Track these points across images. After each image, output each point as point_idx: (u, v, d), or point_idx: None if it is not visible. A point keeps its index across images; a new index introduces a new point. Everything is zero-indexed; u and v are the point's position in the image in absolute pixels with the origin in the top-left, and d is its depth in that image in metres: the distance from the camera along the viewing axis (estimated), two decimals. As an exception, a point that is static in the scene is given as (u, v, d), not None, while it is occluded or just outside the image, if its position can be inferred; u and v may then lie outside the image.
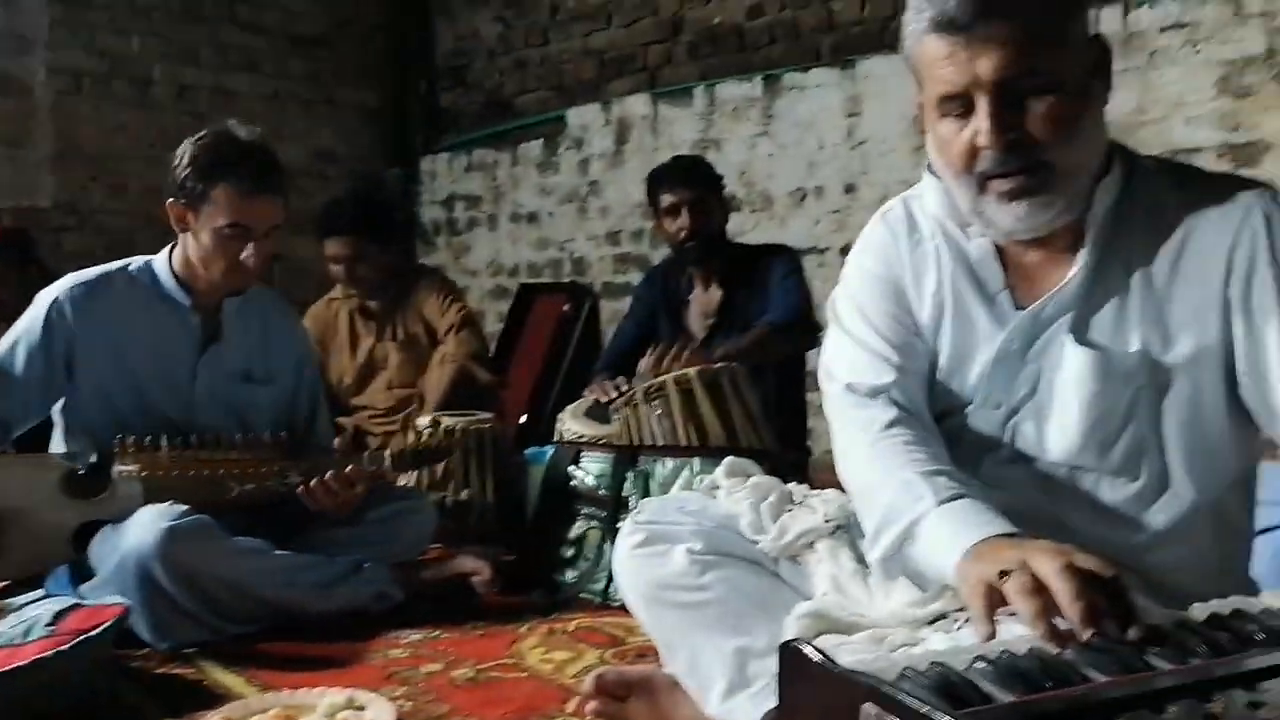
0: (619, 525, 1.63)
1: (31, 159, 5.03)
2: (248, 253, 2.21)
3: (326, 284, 3.56)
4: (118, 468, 2.14)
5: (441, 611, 2.27)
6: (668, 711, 1.50)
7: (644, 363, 2.60)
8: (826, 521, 1.43)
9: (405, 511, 2.42)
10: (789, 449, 2.76)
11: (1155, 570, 1.20)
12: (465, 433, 2.83)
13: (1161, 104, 3.34)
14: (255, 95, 5.60)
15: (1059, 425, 1.24)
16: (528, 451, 2.97)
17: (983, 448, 1.28)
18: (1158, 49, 3.35)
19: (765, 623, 1.36)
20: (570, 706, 1.73)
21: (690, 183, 3.05)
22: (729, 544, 1.46)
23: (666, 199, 3.06)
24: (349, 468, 2.22)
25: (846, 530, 1.42)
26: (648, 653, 1.85)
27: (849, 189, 4.18)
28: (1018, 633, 0.94)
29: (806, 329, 2.97)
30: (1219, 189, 1.22)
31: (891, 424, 1.26)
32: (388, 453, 2.30)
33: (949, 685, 0.80)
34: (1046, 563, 0.94)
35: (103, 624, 1.77)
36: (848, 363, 1.35)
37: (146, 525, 2.01)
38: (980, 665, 0.84)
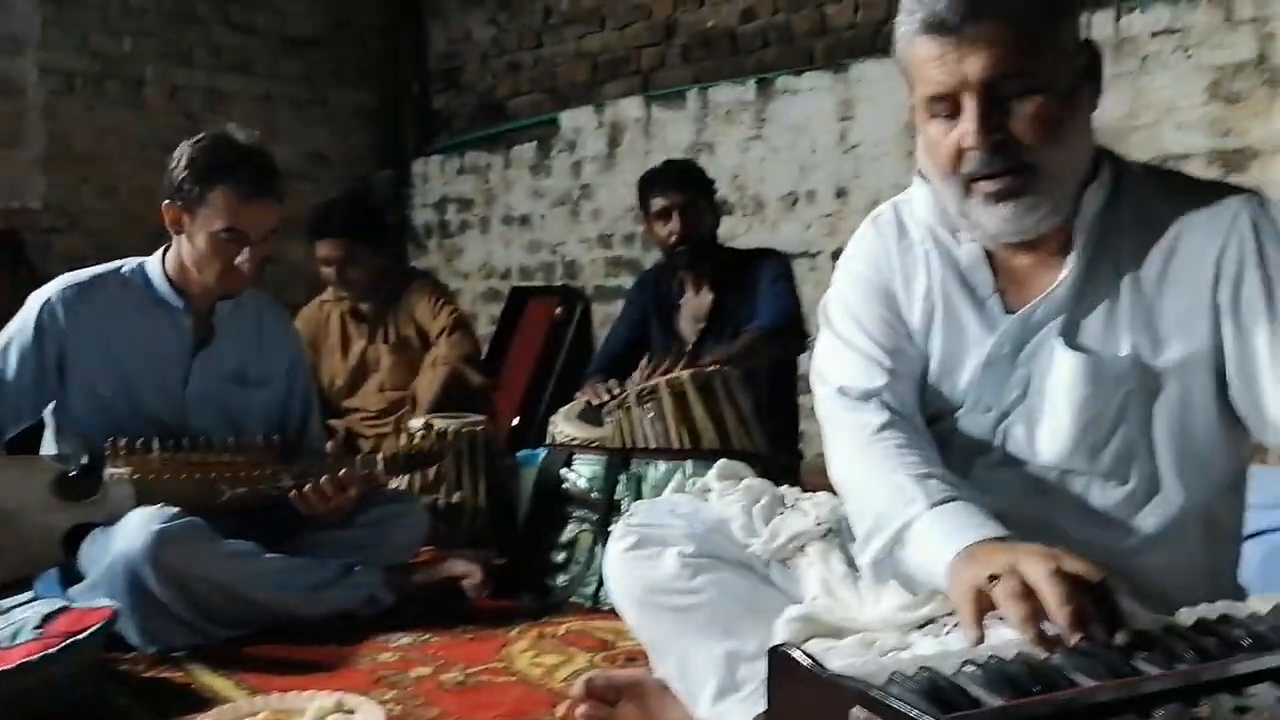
0: (611, 528, 1.63)
1: (22, 160, 5.02)
2: (242, 257, 2.20)
3: (318, 286, 3.56)
4: (109, 470, 2.13)
5: (432, 615, 2.27)
6: (657, 715, 1.50)
7: (636, 377, 2.60)
8: (818, 525, 1.43)
9: (396, 515, 2.42)
10: (781, 452, 2.77)
11: (1144, 574, 1.20)
12: (457, 435, 2.82)
13: (1153, 109, 3.35)
14: (248, 96, 5.59)
15: (1049, 429, 1.24)
16: (519, 454, 2.98)
17: (973, 451, 1.29)
18: (1149, 54, 3.36)
19: (755, 626, 1.36)
20: (560, 710, 1.73)
21: (681, 187, 3.05)
22: (720, 547, 1.46)
23: (658, 203, 3.06)
24: (341, 471, 2.22)
25: (837, 534, 1.42)
26: (638, 656, 1.85)
27: (841, 193, 4.19)
28: (1006, 637, 0.94)
29: (795, 335, 2.98)
30: (1207, 194, 1.22)
31: (883, 427, 1.26)
32: (380, 456, 2.30)
33: (937, 689, 0.80)
34: (1035, 567, 0.94)
35: (91, 627, 1.77)
36: (839, 366, 1.35)
37: (136, 528, 2.00)
38: (969, 669, 0.84)
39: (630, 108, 4.97)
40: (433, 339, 3.39)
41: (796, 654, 0.85)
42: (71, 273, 2.29)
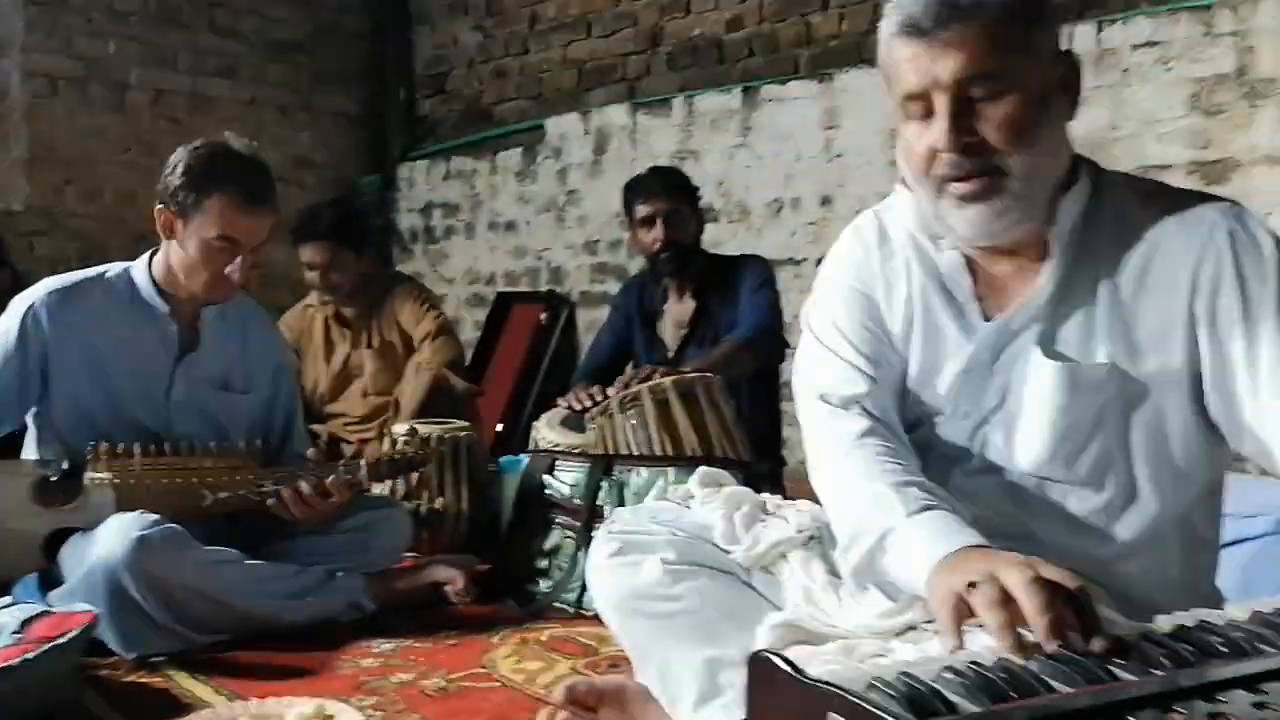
0: (593, 535, 1.63)
1: (5, 162, 4.99)
2: (233, 266, 2.20)
3: (301, 290, 3.55)
4: (90, 475, 2.12)
5: (414, 621, 2.27)
6: (639, 721, 1.50)
7: (615, 388, 2.59)
8: (799, 532, 1.43)
9: (379, 520, 2.41)
10: (763, 459, 2.77)
11: (1123, 581, 1.21)
12: (441, 441, 2.82)
13: (1133, 121, 3.38)
14: (233, 101, 5.58)
15: (1027, 436, 1.25)
16: (502, 460, 2.97)
17: (952, 458, 1.30)
18: (1130, 66, 3.39)
19: (737, 633, 1.36)
20: (542, 716, 1.72)
21: (666, 194, 3.05)
22: (702, 554, 1.46)
23: (641, 210, 3.06)
24: (329, 479, 2.21)
25: (819, 541, 1.43)
26: (620, 663, 1.85)
27: (825, 201, 4.21)
28: (986, 644, 0.94)
29: (775, 343, 2.98)
30: (1185, 205, 1.23)
31: (864, 435, 1.27)
32: (363, 462, 2.29)
33: (916, 695, 0.80)
34: (1014, 575, 0.94)
35: (70, 632, 1.76)
36: (821, 373, 1.36)
37: (116, 534, 1.99)
38: (947, 676, 0.84)
39: (616, 115, 4.98)
40: (417, 344, 3.39)
41: (776, 660, 0.85)
42: (56, 277, 2.28)
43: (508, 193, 5.53)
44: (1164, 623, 0.96)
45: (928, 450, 1.30)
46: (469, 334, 5.42)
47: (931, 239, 1.32)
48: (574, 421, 2.68)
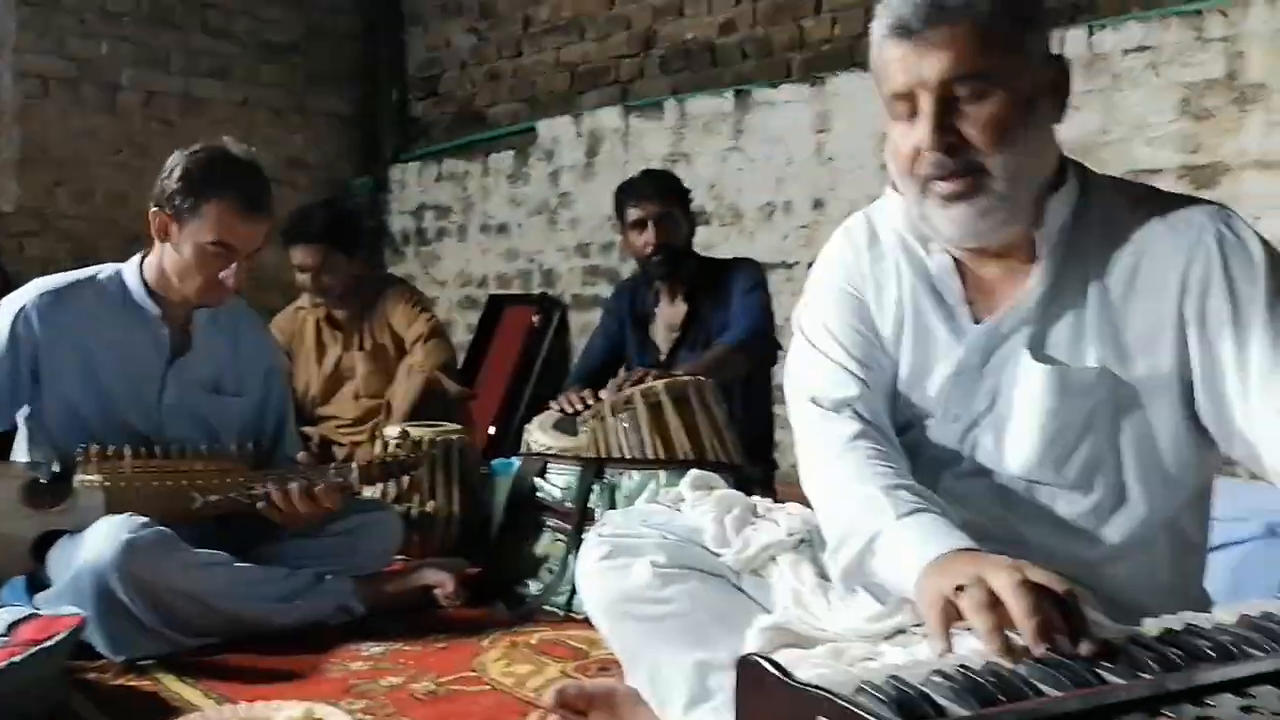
0: (584, 538, 1.63)
1: (-5, 163, 4.98)
2: (227, 272, 2.19)
3: (293, 292, 3.54)
4: (79, 477, 2.12)
5: (403, 624, 2.26)
6: (629, 725, 1.50)
7: (608, 391, 2.60)
8: (789, 535, 1.43)
9: (370, 523, 2.40)
10: (755, 462, 2.77)
11: (1111, 584, 1.21)
12: (432, 444, 2.82)
13: (1124, 125, 3.39)
14: (225, 102, 5.57)
15: (1016, 439, 1.25)
16: (494, 463, 2.97)
17: (942, 461, 1.30)
18: (1120, 71, 3.40)
19: (727, 636, 1.36)
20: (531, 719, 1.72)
21: (657, 197, 3.06)
22: (692, 557, 1.46)
23: (633, 213, 3.07)
24: (318, 485, 2.20)
25: (809, 544, 1.42)
26: (610, 666, 1.85)
27: (817, 204, 4.21)
28: (974, 647, 0.94)
29: (767, 346, 2.99)
30: (1174, 208, 1.24)
31: (854, 437, 1.27)
32: (354, 465, 2.29)
33: (904, 699, 0.81)
34: (1002, 578, 0.94)
35: (58, 635, 1.75)
36: (811, 376, 1.36)
37: (105, 537, 1.98)
38: (936, 679, 0.84)
39: (609, 118, 4.98)
40: (409, 346, 3.38)
41: (764, 663, 0.85)
42: (47, 278, 2.27)
43: (500, 195, 5.53)
44: (1152, 626, 0.96)
45: (917, 453, 1.30)
46: (461, 336, 5.42)
47: (921, 241, 1.32)
48: (566, 424, 2.68)
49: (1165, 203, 1.25)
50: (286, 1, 5.77)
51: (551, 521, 2.49)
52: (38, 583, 2.11)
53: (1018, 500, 1.26)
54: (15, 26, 4.95)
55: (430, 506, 2.82)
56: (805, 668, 0.93)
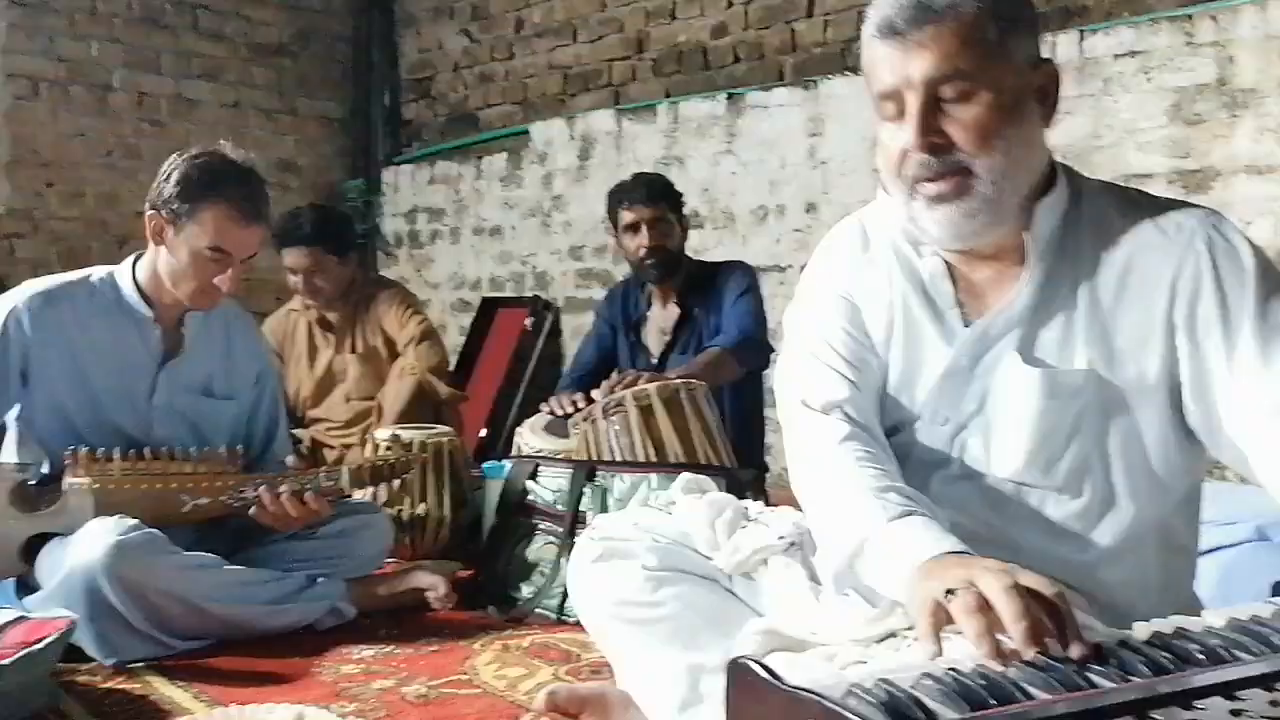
0: (576, 541, 1.63)
1: (-14, 164, 4.96)
2: (222, 277, 2.19)
3: (285, 294, 3.54)
4: (69, 480, 2.11)
5: (395, 627, 2.26)
6: (620, 728, 1.50)
7: (599, 393, 2.60)
8: (780, 538, 1.43)
9: (361, 526, 2.40)
10: (747, 465, 2.77)
11: (1102, 588, 1.22)
12: (423, 447, 2.81)
13: (1115, 130, 3.41)
14: (216, 104, 5.56)
15: (1005, 442, 1.25)
16: (485, 466, 2.97)
17: (932, 464, 1.30)
18: (1111, 76, 3.41)
19: (718, 639, 1.36)
20: (523, 723, 1.72)
21: (650, 200, 3.06)
22: (684, 560, 1.47)
23: (626, 216, 3.07)
24: (308, 489, 2.19)
25: (800, 547, 1.43)
26: (602, 669, 1.85)
27: (810, 208, 4.22)
28: (965, 651, 0.94)
29: (759, 349, 2.99)
30: (1164, 212, 1.24)
31: (844, 439, 1.27)
32: (345, 469, 2.28)
33: (894, 702, 0.81)
34: (992, 582, 0.95)
35: (47, 638, 1.74)
36: (802, 377, 1.36)
37: (94, 539, 1.98)
38: (926, 682, 0.84)
39: (601, 120, 4.98)
40: (401, 349, 3.38)
41: (755, 666, 0.85)
42: (38, 279, 2.26)
43: (493, 198, 5.52)
44: (1141, 630, 0.96)
45: (907, 456, 1.30)
46: (453, 339, 5.41)
47: (913, 244, 1.33)
48: (558, 427, 2.68)
49: (1156, 207, 1.26)
50: (278, 3, 5.76)
51: (543, 524, 2.49)
52: (27, 585, 2.10)
53: (1007, 503, 1.26)
54: (5, 27, 4.93)
55: (421, 509, 2.81)
56: (796, 671, 0.93)
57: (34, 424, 2.18)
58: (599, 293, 4.31)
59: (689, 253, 3.20)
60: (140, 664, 1.99)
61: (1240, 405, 1.16)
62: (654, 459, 2.42)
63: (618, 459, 2.45)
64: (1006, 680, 0.85)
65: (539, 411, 2.84)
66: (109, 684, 1.92)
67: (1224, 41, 3.20)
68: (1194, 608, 1.24)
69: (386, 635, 2.20)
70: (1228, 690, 0.83)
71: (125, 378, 2.24)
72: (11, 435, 2.21)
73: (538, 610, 2.38)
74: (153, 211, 2.19)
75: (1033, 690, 0.84)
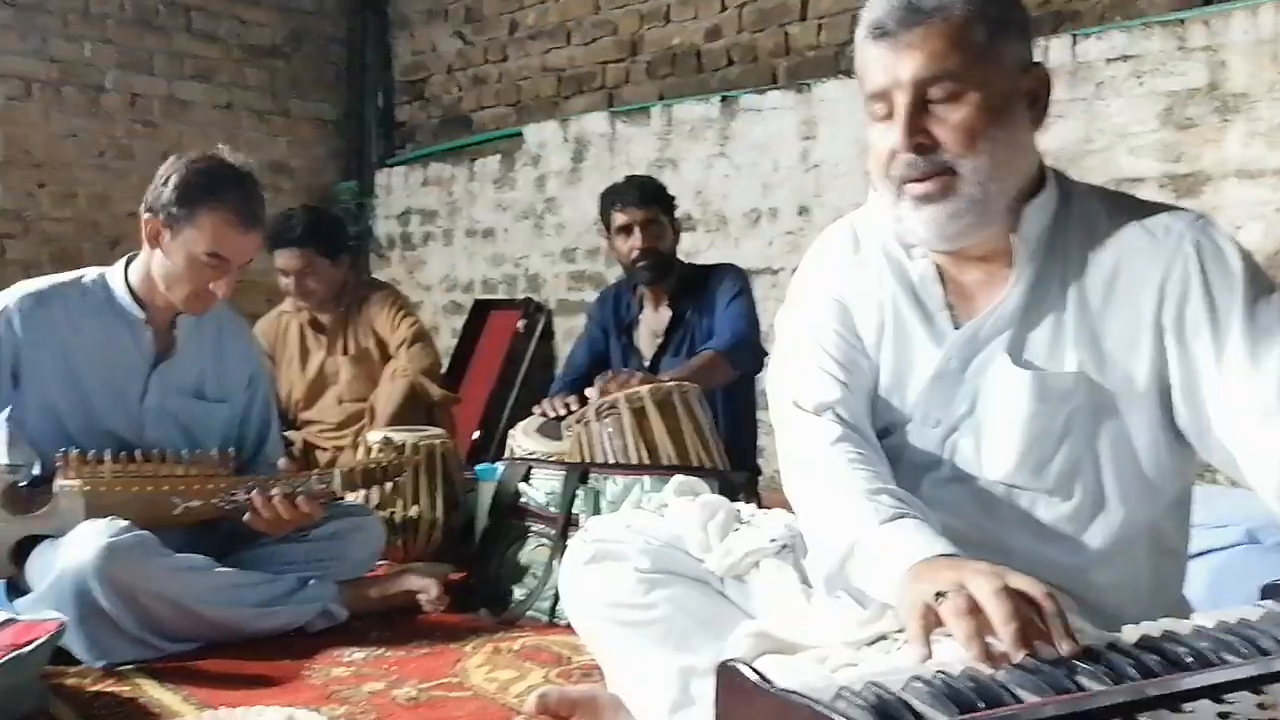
0: (568, 543, 1.63)
1: (-23, 165, 4.95)
2: (217, 283, 2.19)
3: (277, 296, 3.53)
4: (59, 481, 2.10)
5: (386, 630, 2.25)
6: (611, 731, 1.50)
7: (591, 392, 2.60)
8: (772, 541, 1.44)
9: (353, 529, 2.39)
10: (740, 468, 2.77)
11: (1092, 590, 1.22)
12: (415, 449, 2.81)
13: (1107, 134, 3.41)
14: (209, 105, 5.55)
15: (995, 444, 1.26)
16: (478, 468, 2.96)
17: (923, 466, 1.30)
18: (1104, 80, 3.42)
19: (710, 642, 1.36)
20: (514, 725, 1.72)
21: (643, 202, 3.06)
22: (676, 563, 1.47)
23: (619, 218, 3.07)
24: (300, 492, 2.19)
25: (792, 550, 1.43)
26: (593, 672, 1.85)
27: (803, 211, 4.22)
28: (955, 653, 0.95)
29: (753, 352, 2.99)
30: (1153, 216, 1.25)
31: (836, 441, 1.27)
32: (337, 472, 2.28)
33: (884, 705, 0.81)
34: (982, 585, 0.95)
35: (37, 640, 1.74)
36: (794, 379, 1.36)
37: (85, 542, 1.97)
38: (916, 685, 0.85)
39: (595, 123, 4.98)
40: (393, 351, 3.37)
41: (744, 669, 0.85)
42: (30, 280, 2.26)
43: (486, 200, 5.52)
44: (1130, 633, 0.96)
45: (898, 458, 1.30)
46: (446, 341, 5.41)
47: (904, 247, 1.33)
48: (551, 429, 2.68)
49: (1145, 210, 1.26)
50: (271, 5, 5.76)
51: (536, 527, 2.49)
52: (17, 588, 2.09)
53: (998, 505, 1.26)
54: (-3, 29, 4.93)
55: (414, 511, 2.81)
56: (787, 673, 0.93)
57: (25, 425, 2.17)
58: (591, 295, 4.31)
59: (680, 255, 3.20)
60: (130, 666, 1.99)
61: (1229, 407, 1.17)
62: (647, 461, 2.42)
63: (611, 461, 2.45)
64: (996, 683, 0.86)
65: (532, 414, 2.84)
66: (98, 686, 1.92)
67: (1215, 46, 3.21)
68: (1184, 611, 1.25)
69: (377, 638, 2.20)
70: (1216, 693, 0.84)
71: (117, 380, 2.24)
72: (2, 437, 2.20)
73: (530, 613, 2.38)
74: (149, 215, 2.18)
75: (1022, 693, 0.85)
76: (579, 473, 2.46)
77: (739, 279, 3.08)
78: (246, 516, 2.18)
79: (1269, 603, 1.05)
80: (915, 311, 1.32)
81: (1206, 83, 3.23)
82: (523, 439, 2.68)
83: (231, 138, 5.41)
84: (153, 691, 1.89)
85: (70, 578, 1.95)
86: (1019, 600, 0.93)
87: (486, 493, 2.64)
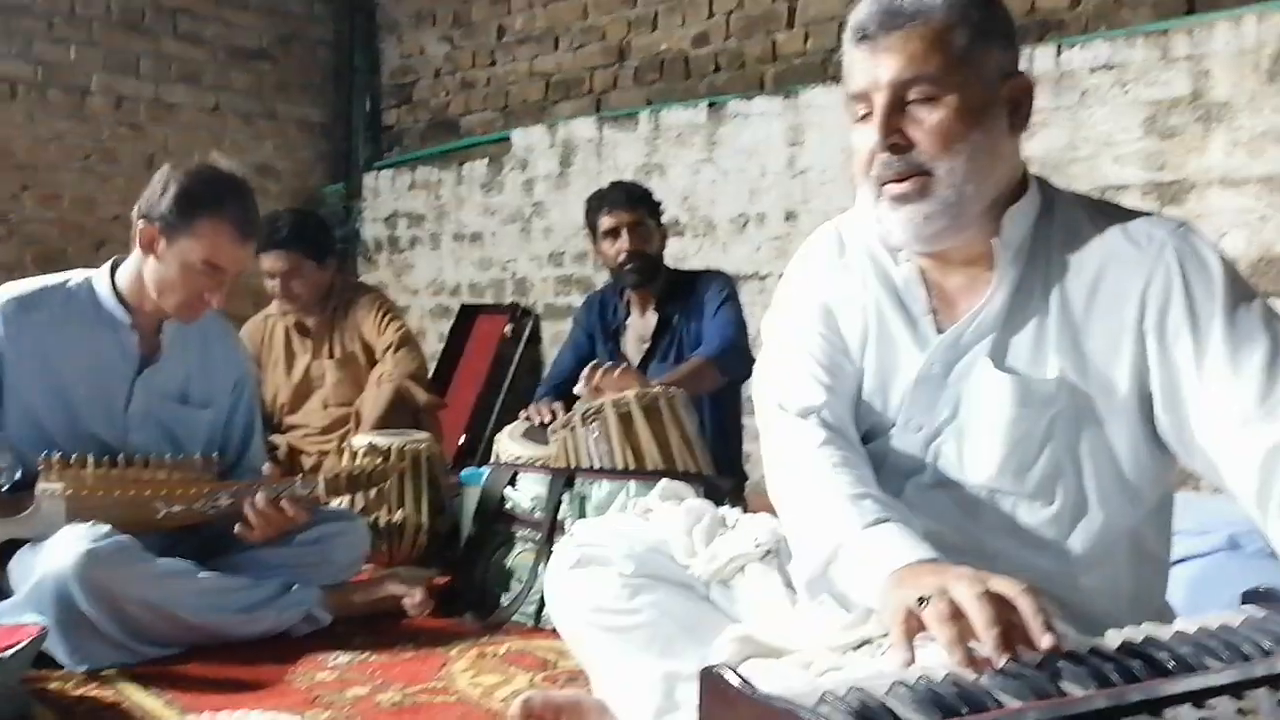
0: (554, 548, 1.62)
1: (-39, 167, 4.92)
2: (211, 293, 2.18)
3: (263, 299, 3.52)
4: (42, 485, 2.09)
5: (370, 634, 2.25)
6: (596, 736, 1.50)
7: (579, 386, 2.60)
8: (757, 546, 1.44)
9: (337, 533, 2.38)
10: (725, 474, 2.77)
11: (1074, 596, 1.22)
12: (400, 454, 2.80)
13: (1091, 142, 3.43)
14: (195, 107, 5.53)
15: (978, 448, 1.26)
16: (464, 473, 2.96)
17: (906, 470, 1.31)
18: (1088, 89, 3.44)
19: (694, 647, 1.36)
20: (498, 730, 1.71)
21: (629, 205, 3.07)
22: (660, 567, 1.47)
23: (606, 222, 3.07)
24: (284, 496, 2.18)
25: (776, 554, 1.43)
26: (578, 677, 1.84)
27: (790, 216, 4.23)
28: (938, 658, 0.95)
29: (742, 360, 2.99)
30: (1135, 224, 1.26)
31: (821, 444, 1.27)
32: (321, 478, 2.27)
33: (866, 710, 0.81)
34: (964, 589, 0.95)
35: (18, 644, 1.73)
36: (779, 382, 1.37)
37: (66, 546, 1.96)
38: (899, 690, 0.85)
39: (582, 128, 4.98)
40: (379, 355, 3.36)
41: (727, 674, 0.85)
42: (13, 284, 2.24)
43: (473, 204, 5.51)
44: (1112, 638, 0.97)
45: (881, 462, 1.31)
46: (433, 345, 5.40)
47: (890, 252, 1.34)
48: (537, 434, 2.68)
49: (1127, 218, 1.27)
50: (258, 7, 5.74)
51: (521, 532, 2.49)
52: (0, 592, 2.08)
53: (980, 509, 1.27)
54: (-18, 30, 4.90)
55: (399, 516, 2.80)
56: (771, 678, 0.93)
57: (7, 429, 2.16)
58: (579, 299, 4.30)
59: (668, 261, 3.20)
60: (112, 671, 1.97)
61: (1210, 413, 1.17)
62: (633, 466, 2.42)
63: (596, 466, 2.45)
64: (979, 688, 0.86)
65: (518, 419, 2.84)
66: (80, 691, 1.90)
67: (1198, 56, 3.23)
68: (1166, 616, 1.26)
69: (362, 642, 2.19)
70: (1197, 698, 0.84)
71: (101, 384, 2.23)
72: (-16, 440, 2.19)
73: (515, 618, 2.38)
74: (144, 222, 2.17)
75: (1005, 697, 0.85)
76: (565, 477, 2.46)
77: (726, 284, 3.09)
78: (237, 529, 2.17)
79: (1250, 608, 1.06)
80: (899, 316, 1.33)
81: (1190, 92, 3.25)
82: (509, 443, 2.67)
83: (218, 140, 5.41)
84: (135, 696, 1.88)
85: (51, 582, 1.94)
86: (1001, 604, 0.94)
87: (472, 497, 2.64)
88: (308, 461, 3.31)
